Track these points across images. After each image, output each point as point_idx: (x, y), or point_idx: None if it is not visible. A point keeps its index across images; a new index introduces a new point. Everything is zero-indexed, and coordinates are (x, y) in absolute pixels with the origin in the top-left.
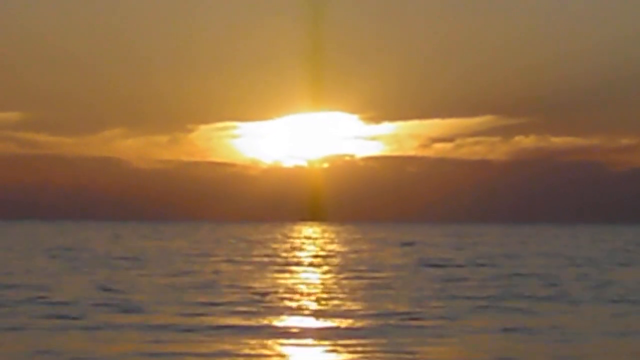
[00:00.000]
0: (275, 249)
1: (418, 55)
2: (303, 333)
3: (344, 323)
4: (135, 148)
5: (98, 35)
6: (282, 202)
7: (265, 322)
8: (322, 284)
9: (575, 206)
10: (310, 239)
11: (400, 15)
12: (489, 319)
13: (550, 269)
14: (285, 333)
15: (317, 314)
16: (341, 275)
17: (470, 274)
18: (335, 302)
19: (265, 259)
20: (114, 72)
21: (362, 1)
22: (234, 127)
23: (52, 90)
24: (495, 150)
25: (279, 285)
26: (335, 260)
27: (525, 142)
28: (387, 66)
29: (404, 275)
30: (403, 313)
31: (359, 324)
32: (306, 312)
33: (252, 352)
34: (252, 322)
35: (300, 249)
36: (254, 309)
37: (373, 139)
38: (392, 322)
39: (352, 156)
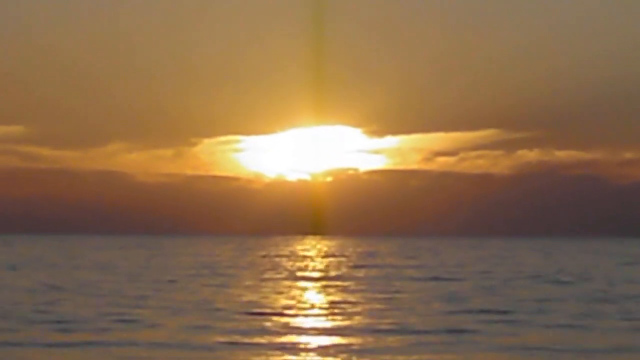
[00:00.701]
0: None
1: (421, 69)
2: None
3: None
4: (139, 162)
5: (102, 49)
6: (286, 215)
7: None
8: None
9: (579, 220)
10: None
11: (403, 29)
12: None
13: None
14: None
15: None
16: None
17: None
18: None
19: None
20: (117, 85)
21: (364, 16)
22: (238, 141)
23: (55, 103)
24: (499, 163)
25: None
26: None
27: (529, 155)
28: (390, 80)
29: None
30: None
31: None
32: None
33: None
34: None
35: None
36: None
37: (376, 152)
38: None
39: (355, 170)
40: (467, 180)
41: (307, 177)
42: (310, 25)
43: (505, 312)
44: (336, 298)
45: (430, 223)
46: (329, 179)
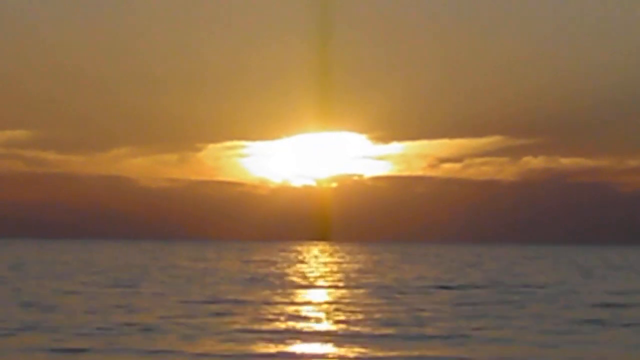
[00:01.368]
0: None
1: (426, 76)
2: None
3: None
4: (144, 167)
5: (108, 54)
6: (291, 221)
7: None
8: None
9: (584, 227)
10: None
11: (408, 36)
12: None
13: None
14: None
15: None
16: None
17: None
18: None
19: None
20: (122, 90)
21: (369, 24)
22: (243, 147)
23: (60, 108)
24: (504, 170)
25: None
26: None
27: (534, 162)
28: (396, 86)
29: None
30: None
31: None
32: None
33: None
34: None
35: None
36: None
37: (381, 158)
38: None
39: (360, 176)
40: (472, 187)
41: (312, 183)
42: (316, 32)
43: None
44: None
45: (435, 229)
46: (334, 185)
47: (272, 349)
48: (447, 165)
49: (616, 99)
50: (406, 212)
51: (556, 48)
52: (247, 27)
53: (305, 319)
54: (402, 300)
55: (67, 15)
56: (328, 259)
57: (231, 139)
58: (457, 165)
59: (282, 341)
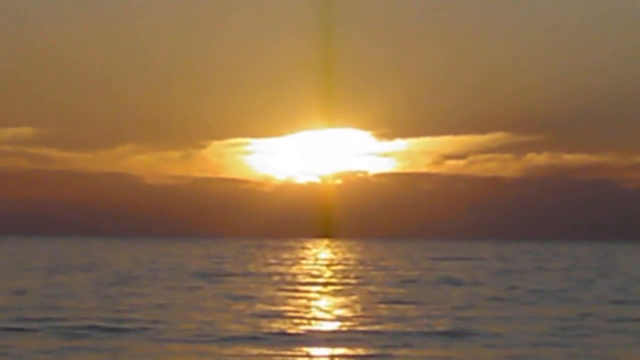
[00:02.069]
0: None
1: (430, 73)
2: None
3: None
4: (148, 164)
5: (112, 51)
6: (295, 218)
7: None
8: None
9: (588, 223)
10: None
11: (411, 33)
12: None
13: None
14: None
15: None
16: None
17: None
18: None
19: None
20: (127, 88)
21: (372, 21)
22: (247, 144)
23: (64, 105)
24: (508, 167)
25: None
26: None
27: (538, 159)
28: (399, 83)
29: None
30: None
31: None
32: None
33: None
34: None
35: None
36: None
37: (385, 155)
38: None
39: (364, 173)
40: (476, 184)
41: (317, 180)
42: (320, 30)
43: None
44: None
45: (439, 226)
46: (339, 181)
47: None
48: (451, 162)
49: (620, 95)
50: (410, 208)
51: (560, 44)
52: (251, 25)
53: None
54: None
55: (71, 13)
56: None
57: (235, 136)
58: (461, 162)
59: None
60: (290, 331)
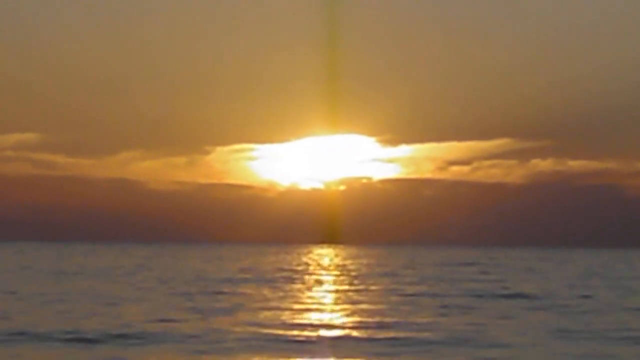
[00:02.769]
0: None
1: (434, 79)
2: None
3: None
4: (152, 170)
5: (117, 57)
6: (299, 224)
7: None
8: None
9: (592, 230)
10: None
11: (415, 39)
12: None
13: None
14: None
15: None
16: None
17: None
18: None
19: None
20: (131, 94)
21: (376, 28)
22: (251, 149)
23: (69, 111)
24: (512, 173)
25: None
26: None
27: (542, 165)
28: (404, 89)
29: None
30: None
31: None
32: None
33: None
34: None
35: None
36: None
37: (390, 161)
38: None
39: (369, 179)
40: (480, 190)
41: (321, 186)
42: (325, 37)
43: None
44: None
45: (443, 232)
46: (343, 187)
47: None
48: (455, 168)
49: (625, 101)
50: (415, 214)
51: (565, 50)
52: (255, 31)
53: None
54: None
55: (76, 19)
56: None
57: (240, 141)
58: (466, 168)
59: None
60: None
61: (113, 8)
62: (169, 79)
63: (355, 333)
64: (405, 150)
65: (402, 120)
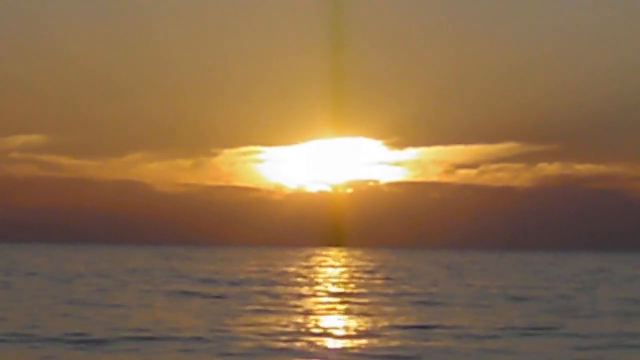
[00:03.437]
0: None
1: (441, 82)
2: None
3: None
4: (159, 172)
5: (124, 58)
6: (306, 226)
7: None
8: None
9: (599, 233)
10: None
11: (421, 42)
12: None
13: None
14: None
15: None
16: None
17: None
18: None
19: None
20: (137, 95)
21: (381, 31)
22: (258, 152)
23: (75, 113)
24: (519, 176)
25: None
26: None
27: (549, 169)
28: (411, 92)
29: None
30: None
31: None
32: None
33: None
34: None
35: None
36: None
37: (397, 164)
38: None
39: (375, 181)
40: (487, 193)
41: (328, 189)
42: (332, 40)
43: None
44: None
45: (450, 235)
46: (350, 190)
47: None
48: (462, 171)
49: (632, 105)
50: (421, 218)
51: (571, 53)
52: (262, 34)
53: None
54: None
55: (82, 20)
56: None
57: (247, 144)
58: (473, 172)
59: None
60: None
61: (120, 10)
62: (175, 81)
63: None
64: (412, 153)
65: (409, 123)
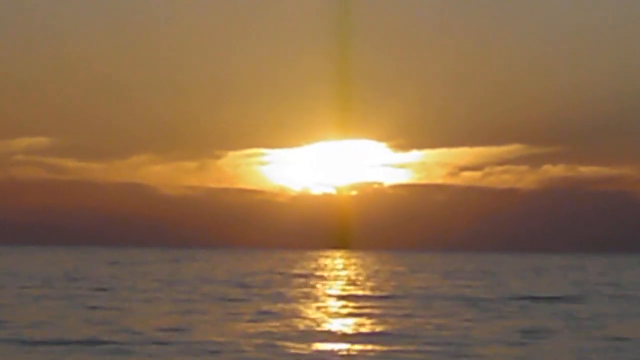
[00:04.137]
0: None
1: (445, 83)
2: None
3: None
4: (163, 174)
5: (128, 61)
6: (311, 229)
7: None
8: None
9: (604, 236)
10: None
11: (426, 44)
12: None
13: None
14: None
15: None
16: None
17: None
18: None
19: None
20: (142, 98)
21: (386, 33)
22: (263, 154)
23: (80, 115)
24: (524, 179)
25: None
26: None
27: (554, 171)
28: (415, 94)
29: None
30: None
31: None
32: None
33: None
34: None
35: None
36: None
37: (401, 166)
38: None
39: (380, 184)
40: (492, 195)
41: (332, 191)
42: (336, 42)
43: None
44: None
45: (455, 237)
46: (354, 192)
47: None
48: (467, 174)
49: (636, 107)
50: (426, 220)
51: (576, 55)
52: (267, 37)
53: None
54: None
55: (87, 23)
56: None
57: (251, 146)
58: (477, 174)
59: None
60: None
61: (124, 13)
62: (180, 83)
63: None
64: (416, 155)
65: (413, 126)
